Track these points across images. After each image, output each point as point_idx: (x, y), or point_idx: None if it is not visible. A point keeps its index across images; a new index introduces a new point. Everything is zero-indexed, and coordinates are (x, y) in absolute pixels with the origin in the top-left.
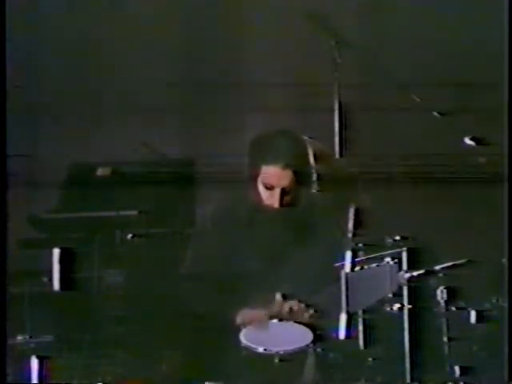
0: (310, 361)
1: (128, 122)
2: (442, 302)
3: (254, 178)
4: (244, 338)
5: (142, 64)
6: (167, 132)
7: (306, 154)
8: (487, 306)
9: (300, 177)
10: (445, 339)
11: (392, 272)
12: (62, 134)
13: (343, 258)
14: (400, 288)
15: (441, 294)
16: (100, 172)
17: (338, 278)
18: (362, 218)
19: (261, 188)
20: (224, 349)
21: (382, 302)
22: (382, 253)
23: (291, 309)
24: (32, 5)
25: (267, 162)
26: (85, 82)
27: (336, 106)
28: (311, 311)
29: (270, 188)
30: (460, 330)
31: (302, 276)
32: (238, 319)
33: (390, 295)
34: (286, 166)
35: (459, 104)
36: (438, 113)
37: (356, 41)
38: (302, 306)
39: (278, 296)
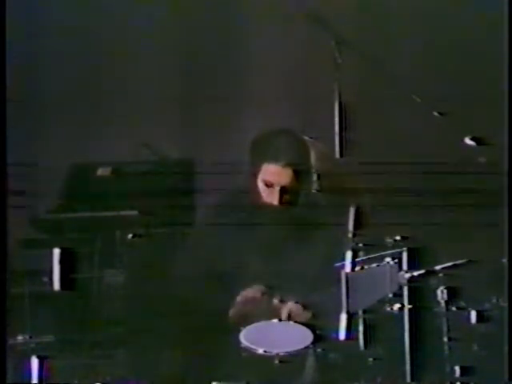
0: (310, 361)
1: (128, 122)
2: (442, 302)
3: (254, 175)
4: (244, 338)
5: (141, 64)
6: (167, 132)
7: (307, 153)
8: (487, 306)
9: (300, 176)
10: (445, 339)
11: (392, 272)
12: (62, 134)
13: (343, 258)
14: (400, 288)
15: (441, 293)
16: (100, 172)
17: (338, 279)
18: (361, 218)
19: (261, 186)
20: (224, 349)
21: (382, 302)
22: (382, 253)
23: (290, 314)
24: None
25: (268, 160)
26: (85, 82)
27: (336, 106)
28: (309, 313)
29: (269, 186)
30: (460, 330)
31: (301, 275)
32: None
33: (390, 295)
34: (287, 165)
35: (459, 104)
36: (438, 113)
37: (356, 41)
38: (300, 308)
39: (276, 301)
